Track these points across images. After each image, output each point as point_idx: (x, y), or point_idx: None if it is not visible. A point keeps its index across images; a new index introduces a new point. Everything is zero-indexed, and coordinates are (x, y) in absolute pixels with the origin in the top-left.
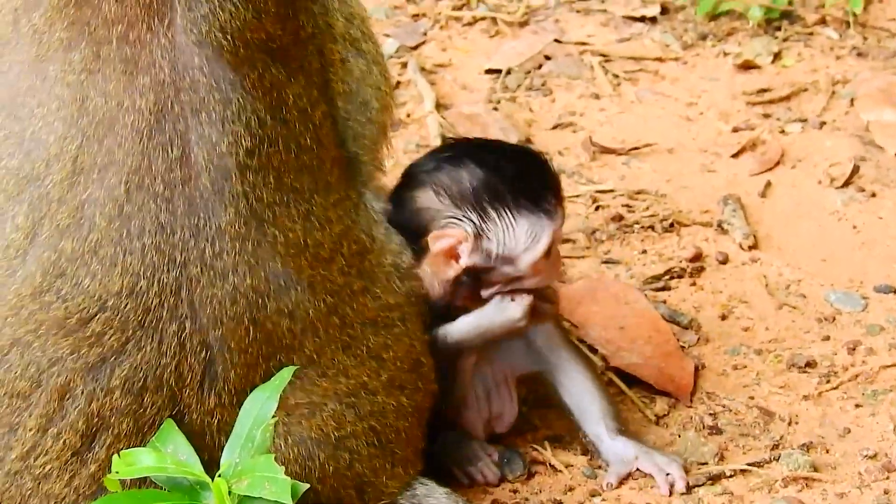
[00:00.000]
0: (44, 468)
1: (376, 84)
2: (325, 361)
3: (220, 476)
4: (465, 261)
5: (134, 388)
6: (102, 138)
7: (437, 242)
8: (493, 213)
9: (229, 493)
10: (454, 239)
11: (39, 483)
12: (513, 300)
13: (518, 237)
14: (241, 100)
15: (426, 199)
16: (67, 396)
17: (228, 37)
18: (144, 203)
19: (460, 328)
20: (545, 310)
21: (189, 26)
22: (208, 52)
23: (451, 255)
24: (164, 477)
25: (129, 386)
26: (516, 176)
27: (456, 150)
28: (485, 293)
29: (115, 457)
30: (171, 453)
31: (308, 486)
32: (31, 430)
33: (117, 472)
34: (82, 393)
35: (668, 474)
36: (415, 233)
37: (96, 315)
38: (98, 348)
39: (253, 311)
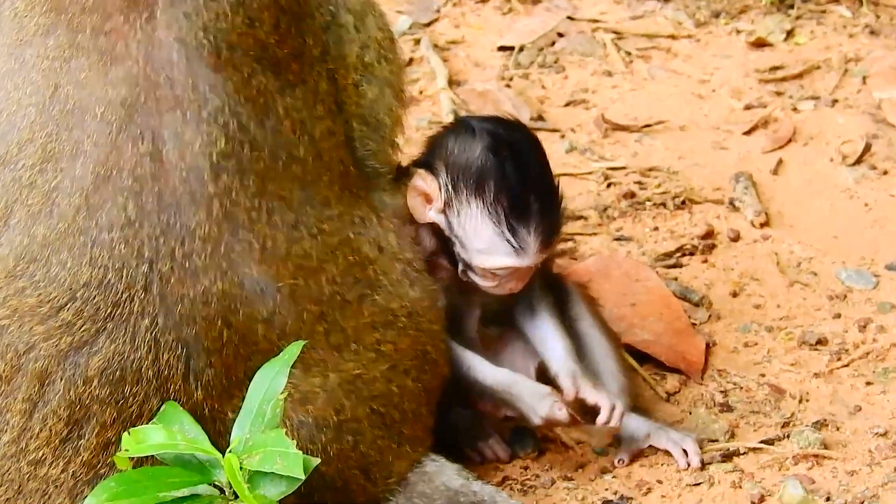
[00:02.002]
0: (37, 453)
1: (388, 105)
2: (310, 361)
3: (230, 451)
4: (432, 214)
5: (112, 378)
6: (72, 127)
7: (416, 179)
8: (466, 200)
9: (240, 468)
10: (428, 189)
11: (35, 467)
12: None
13: (476, 236)
14: (219, 101)
15: (445, 141)
16: (47, 382)
17: (210, 37)
18: (112, 196)
19: (492, 375)
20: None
21: (169, 22)
22: (188, 50)
23: (426, 198)
24: (173, 455)
25: (107, 376)
26: (518, 193)
27: (496, 127)
28: (459, 269)
29: (124, 434)
30: (178, 431)
31: (319, 460)
32: (17, 414)
33: (127, 450)
34: (61, 380)
35: (683, 449)
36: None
37: (67, 304)
38: (69, 337)
39: (226, 315)
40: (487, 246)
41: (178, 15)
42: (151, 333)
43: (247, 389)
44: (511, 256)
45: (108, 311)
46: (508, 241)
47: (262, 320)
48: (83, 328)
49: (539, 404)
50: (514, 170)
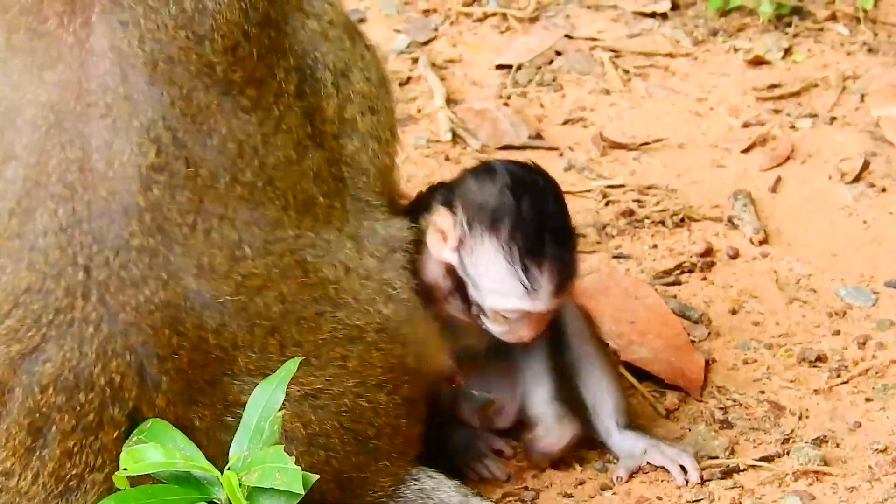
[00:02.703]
0: (6, 463)
1: (372, 155)
2: (268, 374)
3: (229, 468)
4: (446, 253)
5: (66, 386)
6: (4, 129)
7: (435, 217)
8: (480, 237)
9: (240, 484)
10: (444, 226)
11: (6, 478)
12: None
13: (489, 275)
14: (153, 113)
15: (465, 180)
16: (6, 391)
17: (147, 48)
18: (43, 201)
19: None
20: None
21: (105, 29)
22: (122, 59)
23: (443, 235)
24: (170, 473)
25: (61, 383)
26: (533, 232)
27: (517, 168)
28: (451, 306)
29: (122, 453)
30: (174, 448)
31: (318, 476)
32: None
33: (125, 469)
34: (18, 387)
35: (681, 465)
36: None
37: (11, 311)
38: (18, 344)
39: (173, 324)
40: (499, 286)
41: (114, 23)
42: (98, 340)
43: (210, 396)
44: (523, 299)
45: (51, 317)
46: (521, 281)
47: (211, 331)
48: (29, 334)
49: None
50: (531, 210)
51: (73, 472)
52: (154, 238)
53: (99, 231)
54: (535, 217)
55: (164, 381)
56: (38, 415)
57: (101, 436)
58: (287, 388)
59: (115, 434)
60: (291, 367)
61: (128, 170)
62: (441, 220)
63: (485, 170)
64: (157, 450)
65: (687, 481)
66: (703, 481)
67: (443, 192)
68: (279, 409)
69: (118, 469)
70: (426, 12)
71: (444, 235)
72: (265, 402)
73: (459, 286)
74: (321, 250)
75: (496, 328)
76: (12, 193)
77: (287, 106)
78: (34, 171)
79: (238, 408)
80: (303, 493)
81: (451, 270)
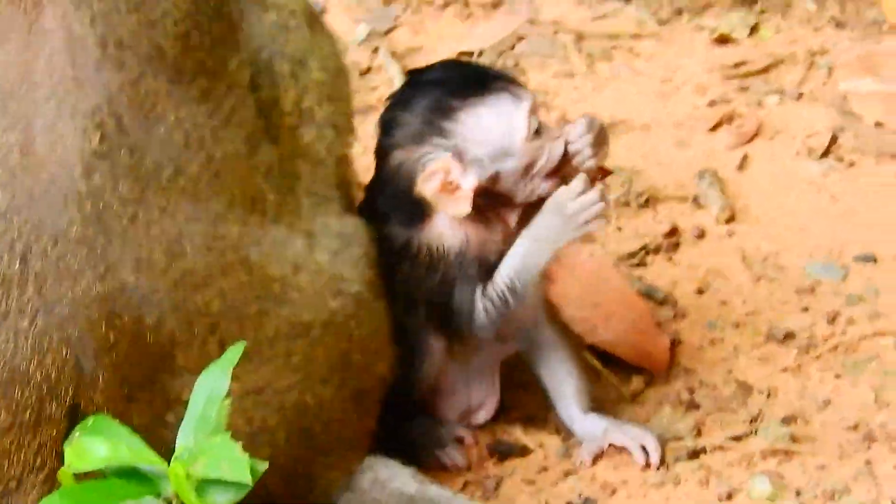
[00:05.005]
0: None
1: (328, 144)
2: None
3: (176, 459)
4: (467, 183)
5: (1, 381)
6: None
7: (428, 184)
8: (452, 125)
9: (187, 476)
10: (440, 171)
11: None
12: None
13: (491, 127)
14: (99, 97)
15: (395, 161)
16: None
17: (97, 30)
18: None
19: (522, 252)
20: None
21: (56, 9)
22: (71, 40)
23: (450, 188)
24: (116, 467)
25: None
26: (446, 81)
27: (388, 108)
28: (520, 198)
29: (66, 448)
30: (119, 443)
31: (267, 464)
32: None
33: (70, 465)
34: None
35: (642, 446)
36: (409, 196)
37: None
38: None
39: (110, 318)
40: (500, 119)
41: (66, 2)
42: (33, 333)
43: (149, 393)
44: (511, 100)
45: None
46: (495, 91)
47: (149, 326)
48: None
49: (573, 199)
50: (423, 82)
51: (12, 472)
52: (93, 228)
53: (38, 218)
54: (435, 77)
55: (101, 376)
56: None
57: (39, 433)
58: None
59: (55, 431)
60: (236, 352)
61: (70, 155)
62: (434, 179)
63: (390, 115)
64: (102, 444)
65: (648, 463)
66: (668, 463)
67: (401, 178)
68: (225, 397)
69: (58, 468)
70: (387, 2)
71: (448, 186)
72: (210, 389)
73: (496, 202)
74: (267, 248)
75: (547, 165)
76: None
77: (240, 99)
78: None
79: (179, 406)
80: (251, 483)
81: (479, 195)
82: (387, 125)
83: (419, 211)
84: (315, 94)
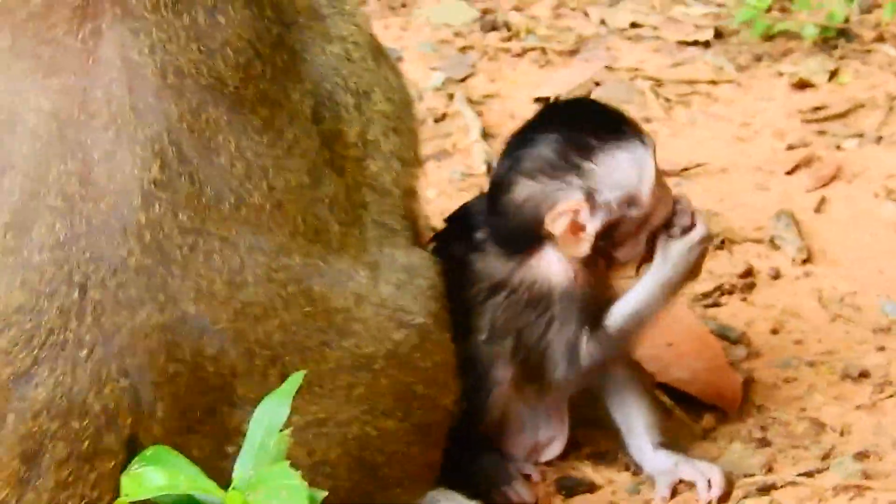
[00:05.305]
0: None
1: (395, 176)
2: None
3: (233, 488)
4: (592, 225)
5: (59, 411)
6: (2, 138)
7: (557, 223)
8: (589, 164)
9: None
10: (570, 211)
11: None
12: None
13: (626, 172)
14: (158, 126)
15: (522, 191)
16: None
17: (157, 58)
18: (40, 214)
19: (642, 295)
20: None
21: (115, 37)
22: (130, 68)
23: (576, 228)
24: (173, 498)
25: (54, 409)
26: (585, 119)
27: (518, 137)
28: (622, 254)
29: (123, 478)
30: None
31: (326, 493)
32: None
33: (127, 495)
34: (10, 413)
35: (708, 481)
36: (530, 229)
37: (3, 330)
38: (10, 367)
39: (170, 349)
40: (633, 165)
41: (124, 31)
42: (91, 363)
43: (208, 425)
44: (643, 147)
45: (43, 338)
46: (630, 137)
47: (209, 357)
48: (21, 356)
49: (686, 251)
50: (563, 117)
51: (68, 503)
52: (153, 258)
53: (97, 248)
54: (575, 114)
55: (160, 407)
56: (31, 442)
57: (97, 465)
58: (290, 417)
59: (112, 464)
60: (295, 381)
61: (129, 184)
62: (564, 218)
63: (523, 148)
64: (158, 473)
65: (710, 497)
66: (739, 499)
67: (527, 212)
68: (285, 427)
69: (114, 501)
70: (463, 49)
71: (576, 227)
72: (269, 419)
73: (609, 244)
74: (330, 279)
75: (660, 216)
76: (9, 206)
77: (303, 129)
78: (33, 182)
79: (238, 437)
80: None
81: (599, 237)
82: (516, 154)
83: (531, 244)
84: (380, 126)
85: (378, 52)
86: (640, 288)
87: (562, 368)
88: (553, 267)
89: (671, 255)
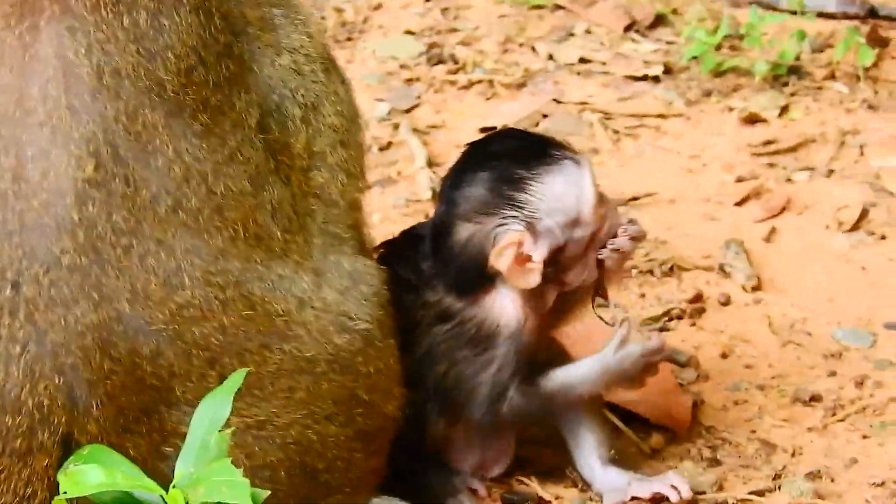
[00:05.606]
0: None
1: (341, 188)
2: None
3: (174, 486)
4: (538, 254)
5: None
6: None
7: (501, 258)
8: (522, 196)
9: (185, 503)
10: (513, 244)
11: None
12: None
13: (562, 195)
14: (94, 126)
15: (462, 233)
16: None
17: (93, 59)
18: None
19: (581, 373)
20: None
21: (52, 35)
22: (66, 67)
23: (522, 260)
24: (112, 496)
25: None
26: (512, 151)
27: (450, 180)
28: (572, 277)
29: (60, 476)
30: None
31: (269, 492)
32: None
33: (65, 492)
34: None
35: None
36: (478, 268)
37: None
38: None
39: (105, 347)
40: (570, 187)
41: (62, 29)
42: (25, 360)
43: (145, 425)
44: (577, 168)
45: None
46: (561, 160)
47: (145, 357)
48: None
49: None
50: (488, 153)
51: (2, 500)
52: (87, 257)
53: (30, 245)
54: (500, 147)
55: (95, 406)
56: None
57: (31, 462)
58: (228, 419)
59: (46, 461)
60: (237, 379)
61: (63, 182)
62: (508, 252)
63: (457, 189)
64: (97, 471)
65: (680, 497)
66: None
67: (471, 251)
68: (226, 427)
69: (50, 499)
70: (409, 81)
71: (521, 259)
72: (210, 416)
73: (557, 270)
74: (271, 283)
75: (605, 232)
76: None
77: (246, 138)
78: None
79: (177, 438)
80: None
81: (547, 265)
82: (450, 197)
83: (482, 284)
84: (328, 139)
85: (329, 65)
86: (583, 365)
87: (481, 409)
88: (505, 309)
89: (624, 350)
